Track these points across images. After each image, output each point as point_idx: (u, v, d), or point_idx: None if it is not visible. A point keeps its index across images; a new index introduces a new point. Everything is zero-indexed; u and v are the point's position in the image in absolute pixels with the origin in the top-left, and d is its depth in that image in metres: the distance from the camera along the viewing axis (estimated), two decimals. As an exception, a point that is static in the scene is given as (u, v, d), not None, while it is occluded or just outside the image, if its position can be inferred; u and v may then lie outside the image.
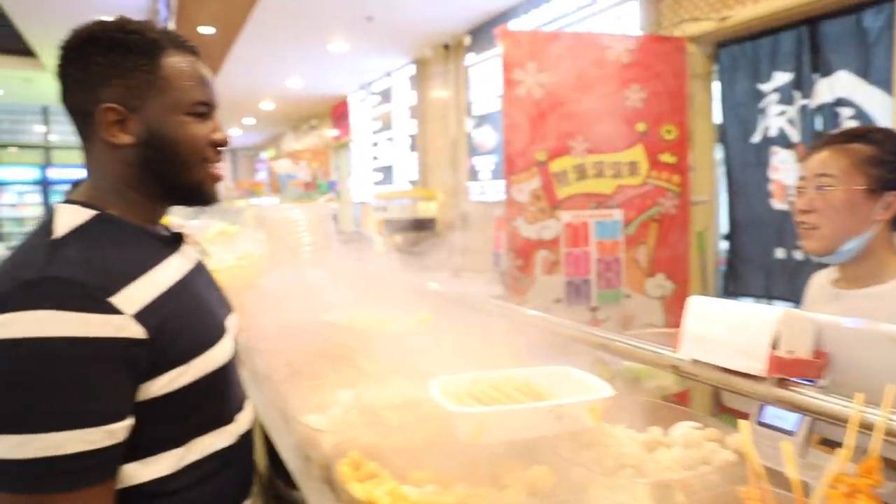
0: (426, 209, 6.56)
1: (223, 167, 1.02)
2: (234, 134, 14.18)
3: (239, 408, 1.01)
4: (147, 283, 0.87)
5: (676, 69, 3.50)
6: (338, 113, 9.94)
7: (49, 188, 13.18)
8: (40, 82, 10.12)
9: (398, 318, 1.39)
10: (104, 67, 0.90)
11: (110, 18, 0.94)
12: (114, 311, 0.80)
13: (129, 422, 0.82)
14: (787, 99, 3.42)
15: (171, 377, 0.86)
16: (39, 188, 13.16)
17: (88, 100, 0.91)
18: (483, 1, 5.16)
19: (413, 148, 7.15)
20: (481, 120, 5.79)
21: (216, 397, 0.95)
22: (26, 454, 0.74)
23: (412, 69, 7.00)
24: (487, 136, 5.70)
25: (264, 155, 16.11)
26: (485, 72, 5.69)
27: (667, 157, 3.54)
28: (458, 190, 6.35)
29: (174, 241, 1.01)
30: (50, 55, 8.28)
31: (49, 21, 6.64)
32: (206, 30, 4.87)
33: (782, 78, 3.41)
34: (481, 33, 5.71)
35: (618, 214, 3.55)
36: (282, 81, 7.95)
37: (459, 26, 5.80)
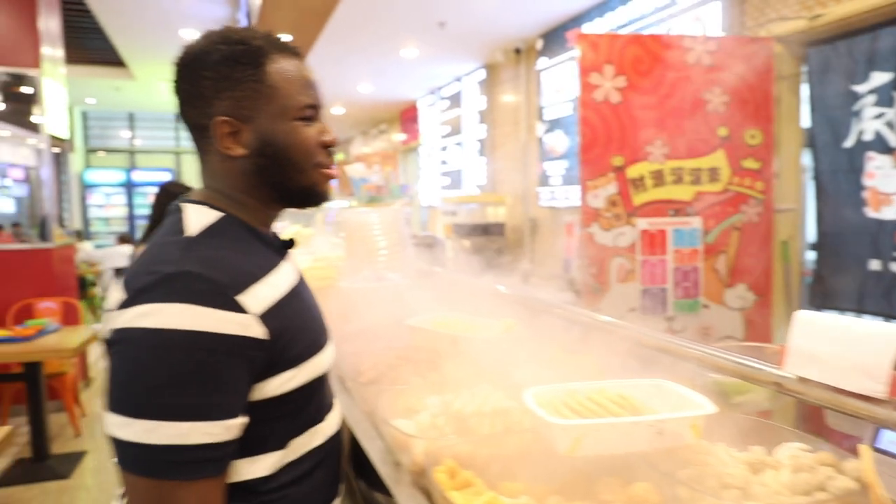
0: (495, 214, 6.54)
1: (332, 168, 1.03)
2: (306, 139, 14.52)
3: (330, 406, 1.03)
4: (269, 286, 0.89)
5: (762, 71, 3.36)
6: (406, 117, 10.06)
7: (133, 190, 13.91)
8: (129, 91, 10.72)
9: (482, 324, 1.37)
10: (214, 81, 0.91)
11: (216, 30, 0.95)
12: (241, 309, 0.83)
13: (243, 419, 0.84)
14: (885, 101, 3.22)
15: (284, 380, 0.88)
16: (124, 190, 13.91)
17: (202, 114, 0.92)
18: (556, 4, 5.11)
19: (482, 152, 7.15)
20: (553, 124, 5.72)
21: (315, 399, 0.97)
22: (154, 440, 0.76)
23: (482, 74, 7.00)
24: (559, 141, 5.63)
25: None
26: (557, 76, 5.63)
27: (750, 163, 3.40)
28: (527, 195, 6.30)
29: (285, 247, 1.03)
30: (138, 65, 8.77)
31: (139, 34, 7.03)
32: (283, 37, 5.01)
33: (881, 78, 3.21)
34: (554, 37, 5.65)
35: (697, 222, 3.44)
36: (353, 87, 8.11)
37: (531, 30, 5.77)
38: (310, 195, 0.99)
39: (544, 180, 5.91)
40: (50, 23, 4.89)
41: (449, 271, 2.72)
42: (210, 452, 0.79)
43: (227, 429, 0.81)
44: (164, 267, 0.82)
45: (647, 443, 0.84)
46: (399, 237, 2.39)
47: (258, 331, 0.84)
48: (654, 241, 3.43)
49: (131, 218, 13.91)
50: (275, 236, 1.03)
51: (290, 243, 1.05)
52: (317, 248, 3.75)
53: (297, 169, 0.96)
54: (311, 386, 0.94)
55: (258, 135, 0.93)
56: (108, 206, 13.92)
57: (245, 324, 0.82)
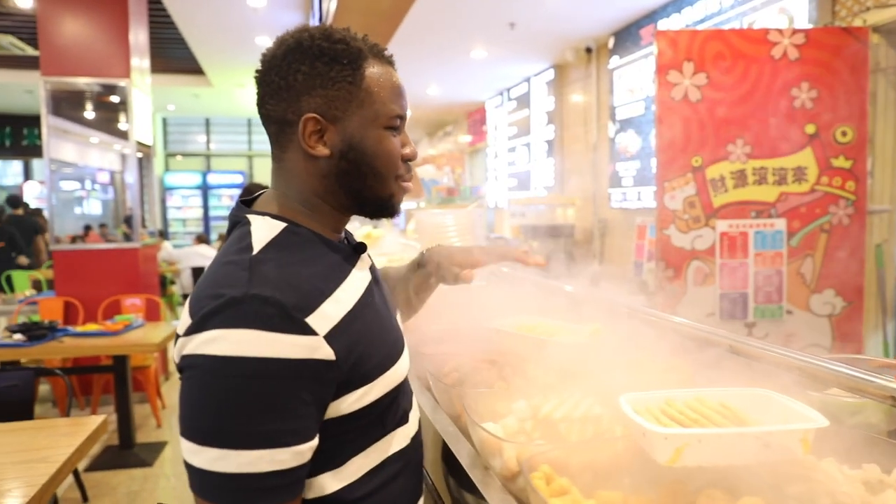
0: (564, 215, 6.45)
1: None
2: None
3: (409, 407, 1.01)
4: (335, 302, 0.85)
5: (855, 64, 3.17)
6: (473, 119, 10.07)
7: (208, 192, 14.52)
8: (206, 97, 11.18)
9: (568, 328, 1.35)
10: (308, 77, 0.88)
11: (315, 27, 0.91)
12: (310, 331, 0.79)
13: (314, 443, 0.81)
14: None
15: (358, 396, 0.85)
16: (200, 192, 14.53)
17: (289, 109, 0.88)
18: (629, 2, 5.00)
19: (550, 153, 7.07)
20: (624, 124, 5.60)
21: (394, 407, 0.94)
22: (223, 468, 0.75)
23: (551, 74, 6.93)
24: (631, 141, 5.50)
25: (400, 161, 16.68)
26: (630, 74, 5.50)
27: (841, 162, 3.22)
28: (596, 196, 6.19)
29: (355, 251, 0.98)
30: (215, 73, 9.13)
31: (217, 43, 7.33)
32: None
33: None
34: (626, 35, 5.53)
35: (780, 224, 3.28)
36: (423, 90, 8.18)
37: (603, 28, 5.66)
38: (385, 206, 0.96)
39: (615, 181, 5.79)
40: (139, 36, 5.16)
41: (521, 273, 2.69)
42: (280, 479, 0.77)
43: (296, 455, 0.78)
44: (230, 290, 0.79)
45: (753, 455, 0.79)
46: (474, 239, 2.38)
47: (327, 352, 0.80)
48: (734, 244, 3.30)
49: (206, 219, 14.52)
50: (344, 242, 1.00)
51: (361, 247, 1.00)
52: (388, 248, 3.80)
53: (378, 178, 0.92)
54: (389, 396, 0.91)
55: (344, 137, 0.89)
56: (186, 207, 14.58)
57: (314, 346, 0.79)
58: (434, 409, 1.27)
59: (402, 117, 0.94)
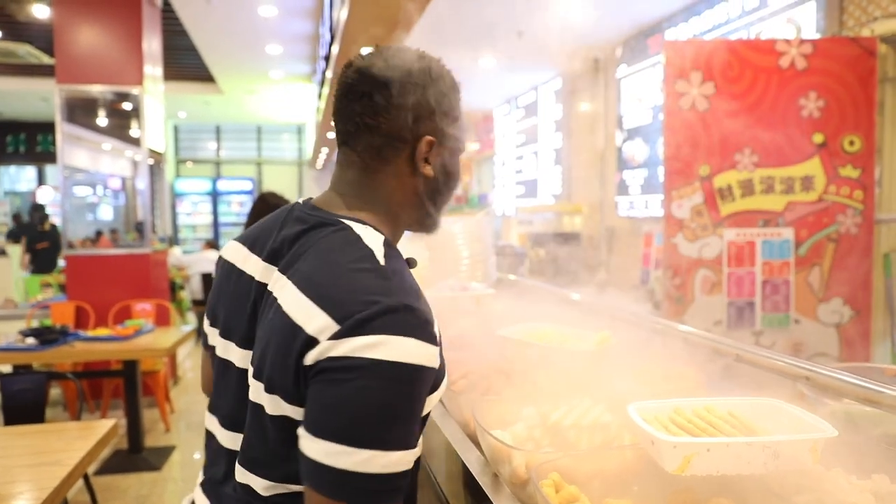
0: (571, 223, 6.46)
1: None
2: (381, 148, 14.84)
3: None
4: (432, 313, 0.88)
5: (863, 73, 3.18)
6: (481, 127, 10.10)
7: (218, 198, 14.60)
8: (216, 104, 11.27)
9: (576, 336, 1.36)
10: (435, 100, 0.92)
11: (424, 52, 0.96)
12: (437, 342, 0.84)
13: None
14: None
15: (430, 402, 0.88)
16: (210, 198, 14.62)
17: (405, 126, 0.91)
18: (637, 12, 5.02)
19: (557, 161, 7.09)
20: (632, 133, 5.61)
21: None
22: (370, 469, 0.77)
23: (559, 82, 6.95)
24: (638, 150, 5.51)
25: (407, 168, 16.72)
26: (637, 84, 5.52)
27: (848, 171, 3.22)
28: (604, 204, 6.20)
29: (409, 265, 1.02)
30: (226, 80, 9.21)
31: (228, 50, 7.39)
32: (366, 51, 5.16)
33: None
34: (634, 44, 5.55)
35: (788, 233, 3.28)
36: (430, 98, 8.21)
37: (611, 38, 5.68)
38: (434, 224, 1.01)
39: (622, 189, 5.80)
40: (152, 44, 5.22)
41: (529, 281, 2.71)
42: (404, 479, 0.81)
43: (415, 455, 0.83)
44: (384, 298, 0.80)
45: (762, 465, 0.80)
46: (483, 247, 2.40)
47: (440, 362, 0.85)
48: (741, 253, 3.30)
49: (216, 225, 14.59)
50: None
51: (412, 263, 1.00)
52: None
53: (447, 199, 0.99)
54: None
55: (443, 160, 0.95)
56: (195, 213, 14.67)
57: (437, 355, 0.84)
58: (443, 416, 1.29)
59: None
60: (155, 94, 5.28)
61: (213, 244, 9.01)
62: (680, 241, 3.27)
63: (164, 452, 4.14)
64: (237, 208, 14.64)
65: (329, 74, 6.04)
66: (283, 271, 0.89)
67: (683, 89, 3.19)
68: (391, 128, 0.91)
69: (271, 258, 0.92)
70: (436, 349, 0.82)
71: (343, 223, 0.90)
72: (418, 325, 0.80)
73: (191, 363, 6.82)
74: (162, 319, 5.05)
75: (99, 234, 5.62)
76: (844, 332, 3.32)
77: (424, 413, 0.87)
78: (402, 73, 0.92)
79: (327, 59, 5.95)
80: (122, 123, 5.16)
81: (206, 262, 8.06)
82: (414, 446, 0.81)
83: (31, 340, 3.67)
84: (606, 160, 6.14)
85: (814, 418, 0.87)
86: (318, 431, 0.78)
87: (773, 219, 3.28)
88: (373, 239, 0.89)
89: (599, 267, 6.14)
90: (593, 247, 6.38)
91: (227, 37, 6.83)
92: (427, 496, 1.35)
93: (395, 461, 0.78)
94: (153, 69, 5.26)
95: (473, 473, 1.02)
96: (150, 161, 5.24)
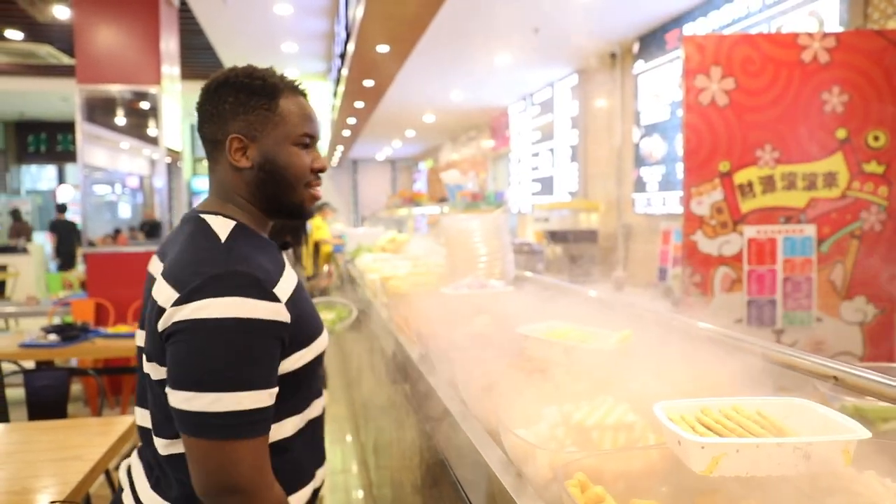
0: (588, 220, 6.42)
1: (321, 189, 1.23)
2: (395, 146, 14.88)
3: (323, 382, 1.24)
4: (286, 280, 1.07)
5: (888, 67, 3.11)
6: (496, 124, 10.07)
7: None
8: (233, 103, 11.34)
9: (597, 334, 1.34)
10: (233, 105, 1.10)
11: (241, 67, 1.15)
12: (276, 298, 1.01)
13: (276, 389, 1.02)
14: None
15: (298, 356, 1.07)
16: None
17: (219, 130, 1.11)
18: (654, 7, 4.97)
19: (573, 158, 7.04)
20: (649, 129, 5.56)
21: (316, 375, 1.16)
22: (218, 408, 0.94)
23: (575, 79, 6.91)
24: (656, 146, 5.46)
25: (422, 165, 16.75)
26: (655, 79, 5.46)
27: (873, 167, 3.16)
28: (620, 201, 6.15)
29: (282, 248, 1.22)
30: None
31: (244, 49, 7.43)
32: (382, 48, 5.16)
33: None
34: (652, 40, 5.49)
35: (810, 230, 3.23)
36: (446, 95, 8.21)
37: (628, 33, 5.63)
38: (297, 209, 1.17)
39: (640, 186, 5.75)
40: (170, 44, 5.26)
41: (547, 278, 2.69)
42: (260, 415, 0.98)
43: (270, 396, 1.00)
44: (213, 268, 0.99)
45: (792, 466, 0.78)
46: (500, 244, 2.38)
47: (286, 316, 1.02)
48: (762, 250, 3.26)
49: (232, 223, 14.68)
50: (271, 240, 1.21)
51: (285, 245, 1.26)
52: (409, 253, 3.82)
53: (289, 185, 1.14)
54: (315, 362, 1.13)
55: (262, 153, 1.12)
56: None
57: (279, 311, 1.01)
58: (464, 415, 1.28)
59: (312, 136, 1.16)
60: (172, 93, 5.32)
61: None
62: (699, 239, 3.23)
63: (183, 448, 4.17)
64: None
65: (345, 72, 6.05)
66: (161, 262, 1.10)
67: (703, 84, 3.15)
68: (210, 133, 1.13)
69: (161, 255, 1.16)
70: (270, 304, 0.99)
71: (199, 216, 1.11)
72: (244, 285, 0.98)
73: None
74: (180, 316, 5.08)
75: (118, 231, 5.68)
76: (869, 331, 3.27)
77: (297, 365, 1.06)
78: (208, 87, 1.12)
79: (342, 57, 5.95)
80: (140, 122, 5.20)
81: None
82: (264, 387, 0.98)
83: (52, 337, 3.72)
84: (623, 157, 6.09)
85: (845, 419, 0.85)
86: (174, 383, 0.97)
87: (795, 215, 3.23)
88: (220, 225, 1.09)
89: (616, 264, 6.09)
90: (610, 244, 6.33)
91: (243, 35, 6.86)
92: (448, 494, 1.35)
93: (241, 399, 0.95)
94: (170, 68, 5.29)
95: (496, 473, 1.01)
96: (168, 159, 5.29)
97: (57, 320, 5.02)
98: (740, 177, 3.21)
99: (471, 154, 11.20)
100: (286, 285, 1.06)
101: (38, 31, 7.47)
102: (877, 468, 0.91)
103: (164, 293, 1.00)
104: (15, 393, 3.29)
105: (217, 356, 0.96)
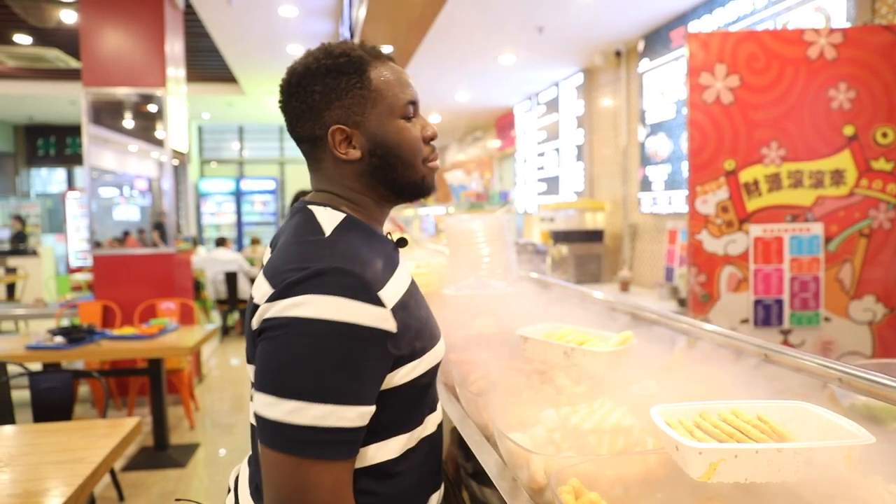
0: (593, 220, 6.39)
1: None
2: (402, 147, 14.83)
3: (437, 395, 1.09)
4: (397, 282, 0.95)
5: (896, 63, 3.07)
6: (502, 124, 10.05)
7: (241, 198, 14.74)
8: (239, 105, 11.37)
9: (597, 336, 1.33)
10: (323, 94, 0.97)
11: (313, 49, 1.01)
12: (381, 303, 0.89)
13: (373, 408, 0.89)
14: None
15: (409, 369, 0.94)
16: (234, 198, 14.76)
17: (316, 126, 0.98)
18: (659, 4, 4.93)
19: (579, 158, 7.01)
20: (655, 128, 5.52)
21: (431, 389, 1.03)
22: (298, 420, 0.83)
23: (580, 78, 6.88)
24: (662, 145, 5.42)
25: (429, 166, 16.70)
26: (660, 78, 5.43)
27: (881, 164, 3.13)
28: (626, 201, 6.12)
29: (399, 244, 1.09)
30: (248, 81, 9.28)
31: (250, 52, 7.44)
32: (385, 49, 5.16)
33: None
34: (656, 38, 5.46)
35: (817, 229, 3.20)
36: (451, 95, 8.19)
37: (632, 31, 5.60)
38: (420, 188, 1.04)
39: (645, 185, 5.71)
40: (175, 46, 5.28)
41: (550, 279, 2.67)
42: (346, 436, 0.85)
43: (360, 415, 0.86)
44: (314, 263, 0.88)
45: (793, 473, 0.77)
46: (503, 245, 2.37)
47: (392, 324, 0.89)
48: (768, 249, 3.23)
49: (239, 224, 14.73)
50: (388, 235, 1.09)
51: (402, 242, 1.10)
52: (414, 253, 3.80)
53: (407, 164, 1.01)
54: (429, 375, 1.00)
55: (369, 137, 0.99)
56: (219, 213, 14.81)
57: (384, 317, 0.88)
58: (462, 417, 1.27)
59: (414, 103, 1.03)
60: (178, 95, 5.34)
61: (222, 241, 8.98)
62: (705, 238, 3.21)
63: (189, 450, 4.18)
64: (260, 208, 14.76)
65: (349, 73, 6.03)
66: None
67: (708, 82, 3.13)
68: (305, 132, 1.00)
69: (272, 248, 1.05)
70: (374, 309, 0.87)
71: (306, 208, 1.01)
72: (347, 285, 0.86)
73: (215, 361, 6.90)
74: (186, 318, 5.11)
75: (126, 234, 5.70)
76: (878, 331, 3.23)
77: (406, 379, 0.93)
78: (289, 83, 1.00)
79: (347, 57, 5.94)
80: (147, 125, 5.22)
81: (219, 263, 8.06)
82: (355, 403, 0.85)
83: (59, 339, 3.73)
84: (629, 156, 6.06)
85: (849, 423, 0.83)
86: (258, 385, 0.87)
87: (802, 214, 3.20)
88: (327, 217, 0.98)
89: (622, 264, 6.06)
90: (616, 244, 6.30)
91: (249, 38, 6.87)
92: (445, 496, 1.33)
93: (325, 414, 0.83)
94: (176, 71, 5.31)
95: (491, 477, 1.00)
96: (175, 162, 5.30)
97: (65, 322, 5.05)
98: (746, 175, 3.18)
99: (477, 154, 11.18)
100: (396, 288, 0.93)
101: (47, 35, 7.51)
102: (882, 473, 0.89)
103: (261, 289, 0.91)
104: (21, 395, 3.31)
105: (304, 360, 0.84)
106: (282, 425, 0.83)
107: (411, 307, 0.96)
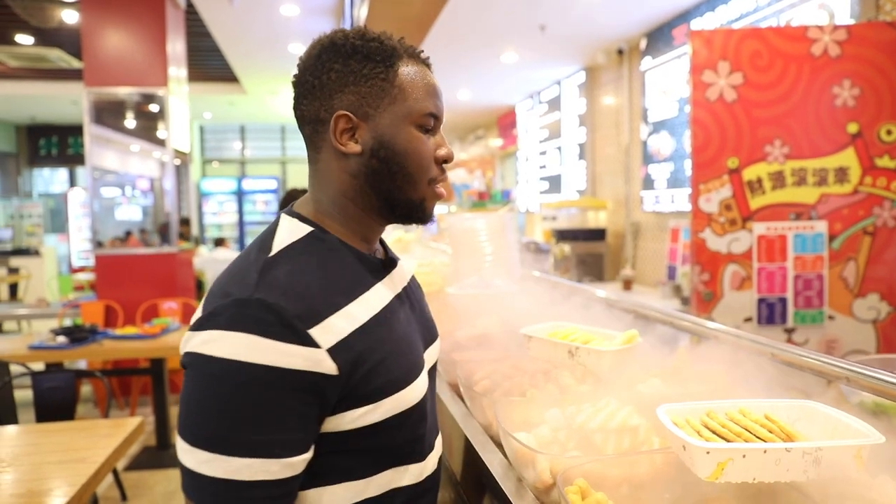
0: (596, 219, 6.38)
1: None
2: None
3: (427, 444, 0.92)
4: (345, 316, 0.81)
5: (901, 60, 3.06)
6: (504, 122, 10.04)
7: (243, 197, 14.75)
8: (241, 104, 11.36)
9: (602, 335, 1.32)
10: (342, 75, 0.86)
11: (350, 28, 0.90)
12: (311, 343, 0.76)
13: (308, 455, 0.78)
14: None
15: (359, 414, 0.81)
16: (235, 197, 14.76)
17: (323, 107, 0.87)
18: (661, 2, 4.92)
19: (581, 156, 7.00)
20: (657, 126, 5.51)
21: (403, 435, 0.87)
22: (210, 472, 0.74)
23: (582, 76, 6.87)
24: (664, 143, 5.41)
25: (430, 165, 16.70)
26: (662, 75, 5.41)
27: (885, 162, 3.12)
28: (629, 199, 6.11)
29: (384, 266, 0.94)
30: (250, 81, 9.27)
31: (251, 51, 7.44)
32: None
33: None
34: (659, 35, 5.44)
35: (821, 226, 3.19)
36: (453, 94, 8.18)
37: (635, 29, 5.58)
38: (417, 210, 0.91)
39: (648, 184, 5.70)
40: (176, 46, 5.28)
41: (553, 277, 2.66)
42: (269, 490, 0.75)
43: (289, 466, 0.76)
44: (238, 292, 0.78)
45: (802, 472, 0.76)
46: (506, 243, 2.36)
47: (328, 366, 0.77)
48: (772, 248, 3.22)
49: (241, 224, 14.73)
50: (375, 254, 0.96)
51: (391, 263, 0.97)
52: (416, 253, 3.80)
53: (409, 178, 0.88)
54: (396, 421, 0.84)
55: (376, 135, 0.87)
56: (221, 213, 14.82)
57: (314, 358, 0.76)
58: (465, 417, 1.26)
59: (437, 117, 0.91)
60: (179, 94, 5.34)
61: (221, 241, 8.97)
62: (708, 236, 3.20)
63: (192, 449, 4.18)
64: (262, 207, 14.77)
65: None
66: None
67: (711, 80, 3.11)
68: (310, 111, 0.88)
69: None
70: (297, 349, 0.75)
71: (280, 215, 0.90)
72: (265, 321, 0.75)
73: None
74: (188, 318, 5.10)
75: (128, 233, 5.70)
76: (883, 328, 3.22)
77: (355, 425, 0.81)
78: (308, 55, 0.89)
79: (349, 56, 5.94)
80: (148, 125, 5.22)
81: (220, 263, 8.05)
82: (279, 455, 0.74)
83: (61, 339, 3.73)
84: (631, 154, 6.05)
85: (858, 422, 0.82)
86: (178, 427, 0.78)
87: (806, 212, 3.18)
88: (288, 231, 0.87)
89: (625, 263, 6.05)
90: (618, 242, 6.29)
91: (250, 37, 6.87)
92: (448, 497, 1.33)
93: (241, 468, 0.73)
94: (177, 70, 5.31)
95: (496, 477, 0.99)
96: (177, 161, 5.30)
97: (67, 322, 5.05)
98: (749, 173, 3.17)
99: (479, 153, 11.17)
100: (344, 324, 0.80)
101: (49, 35, 7.51)
102: (892, 473, 0.88)
103: (199, 307, 0.82)
104: (23, 395, 3.31)
105: (212, 406, 0.74)
106: (198, 476, 0.74)
107: (368, 345, 0.82)
